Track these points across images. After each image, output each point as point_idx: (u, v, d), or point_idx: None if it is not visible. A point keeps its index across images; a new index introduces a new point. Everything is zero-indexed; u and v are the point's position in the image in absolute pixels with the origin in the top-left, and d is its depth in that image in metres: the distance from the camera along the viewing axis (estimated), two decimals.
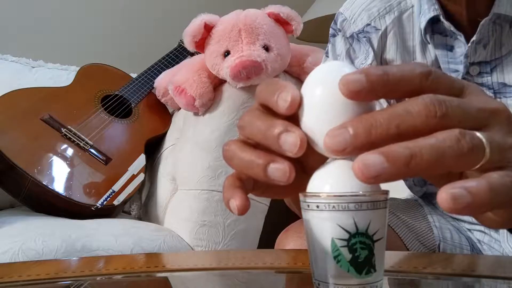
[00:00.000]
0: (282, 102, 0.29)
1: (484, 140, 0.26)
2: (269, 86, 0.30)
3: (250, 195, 0.33)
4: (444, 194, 0.24)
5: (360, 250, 0.27)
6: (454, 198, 0.24)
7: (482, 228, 0.73)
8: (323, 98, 0.28)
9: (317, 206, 0.28)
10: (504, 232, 0.70)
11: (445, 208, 0.24)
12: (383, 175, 0.24)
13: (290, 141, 0.28)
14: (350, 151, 0.26)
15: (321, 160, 0.30)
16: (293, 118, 0.29)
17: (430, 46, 0.68)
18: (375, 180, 0.24)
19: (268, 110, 0.30)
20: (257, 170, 0.29)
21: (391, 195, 0.29)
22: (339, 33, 0.77)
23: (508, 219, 0.29)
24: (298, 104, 0.29)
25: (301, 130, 0.29)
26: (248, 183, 0.33)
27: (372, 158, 0.24)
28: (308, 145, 0.29)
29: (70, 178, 1.12)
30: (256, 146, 0.31)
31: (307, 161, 0.32)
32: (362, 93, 0.26)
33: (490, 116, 0.28)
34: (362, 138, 0.25)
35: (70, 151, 1.16)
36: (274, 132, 0.28)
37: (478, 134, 0.26)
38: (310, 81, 0.29)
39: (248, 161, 0.30)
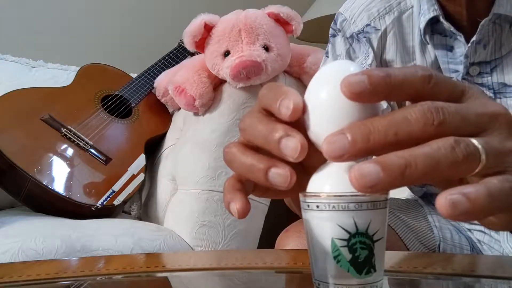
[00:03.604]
0: (285, 110, 0.28)
1: (479, 147, 0.26)
2: (272, 91, 0.30)
3: (250, 195, 0.33)
4: (443, 200, 0.24)
5: (360, 250, 0.27)
6: (453, 205, 0.24)
7: (482, 228, 0.73)
8: (328, 99, 0.28)
9: (317, 206, 0.28)
10: (504, 232, 0.70)
11: (444, 214, 0.24)
12: (379, 185, 0.24)
13: (290, 146, 0.28)
14: (348, 157, 0.26)
15: (323, 161, 0.30)
16: (296, 120, 0.29)
17: (429, 47, 0.68)
18: (371, 189, 0.25)
19: (270, 113, 0.30)
20: (258, 175, 0.29)
21: (391, 195, 0.29)
22: (339, 33, 0.77)
23: (508, 222, 0.29)
24: (300, 112, 0.28)
25: (302, 134, 0.28)
26: (249, 185, 0.33)
27: (368, 168, 0.25)
28: (310, 146, 0.28)
29: (70, 178, 1.12)
30: (257, 149, 0.31)
31: (309, 162, 0.32)
32: (364, 95, 0.26)
33: (489, 120, 0.27)
34: (360, 145, 0.26)
35: (70, 151, 1.16)
36: (275, 137, 0.28)
37: (473, 141, 0.26)
38: (316, 81, 0.29)
39: (249, 165, 0.30)
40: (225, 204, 0.31)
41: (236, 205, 0.30)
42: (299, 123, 0.29)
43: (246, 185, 0.32)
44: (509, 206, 0.26)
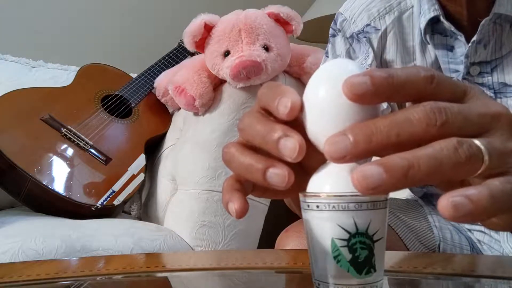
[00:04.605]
0: (283, 108, 0.28)
1: (482, 147, 0.26)
2: (270, 90, 0.30)
3: (249, 196, 0.33)
4: (445, 202, 0.24)
5: (360, 250, 0.27)
6: (455, 207, 0.24)
7: (482, 228, 0.73)
8: (327, 98, 0.28)
9: (317, 206, 0.28)
10: (504, 232, 0.70)
11: (446, 216, 0.24)
12: (382, 186, 0.24)
13: (289, 146, 0.28)
14: (350, 159, 0.26)
15: (322, 161, 0.30)
16: (295, 120, 0.29)
17: (429, 47, 0.68)
18: (374, 191, 0.25)
19: (269, 113, 0.30)
20: (256, 175, 0.29)
21: (391, 195, 0.29)
22: (339, 33, 0.76)
23: (510, 223, 0.29)
24: (298, 110, 0.28)
25: (301, 135, 0.28)
26: (248, 185, 0.33)
27: (371, 170, 0.24)
28: (309, 146, 0.28)
29: (70, 178, 1.12)
30: (255, 149, 0.31)
31: (308, 162, 0.32)
32: (367, 96, 0.26)
33: (491, 120, 0.27)
34: (362, 146, 0.25)
35: (70, 151, 1.16)
36: (274, 137, 0.28)
37: (476, 141, 0.26)
38: (315, 80, 0.29)
39: (247, 165, 0.30)
40: (224, 204, 0.31)
41: (234, 205, 0.30)
42: (297, 123, 0.29)
43: (245, 185, 0.32)
44: (511, 207, 0.26)
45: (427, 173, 0.24)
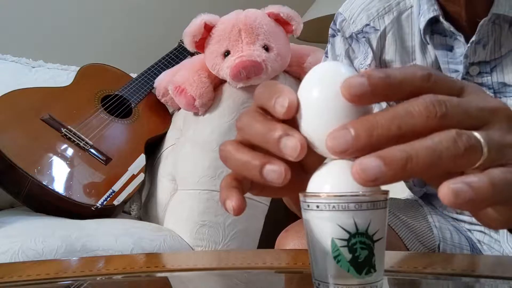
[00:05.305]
0: (280, 108, 0.29)
1: (481, 139, 0.26)
2: (267, 89, 0.30)
3: (249, 195, 0.33)
4: (446, 189, 0.24)
5: (360, 250, 0.27)
6: (455, 193, 0.24)
7: (482, 228, 0.73)
8: (321, 100, 0.28)
9: (317, 206, 0.28)
10: (504, 232, 0.70)
11: (446, 203, 0.24)
12: (381, 178, 0.24)
13: (290, 146, 0.28)
14: (352, 152, 0.26)
15: (321, 160, 0.30)
16: (292, 119, 0.29)
17: (429, 47, 0.68)
18: (373, 183, 0.25)
19: (267, 112, 0.30)
20: (253, 172, 0.29)
21: (391, 195, 0.29)
22: (338, 33, 0.77)
23: (509, 217, 0.29)
24: (295, 109, 0.29)
25: (301, 133, 0.28)
26: (246, 183, 0.33)
27: (370, 162, 0.25)
28: (308, 145, 0.29)
29: (70, 178, 1.12)
30: (252, 146, 0.31)
31: (307, 161, 0.32)
32: (365, 97, 0.26)
33: (490, 114, 0.28)
34: (364, 139, 0.25)
35: (70, 151, 1.16)
36: (274, 136, 0.28)
37: (475, 133, 0.26)
38: (308, 82, 0.29)
39: (244, 162, 0.30)
40: (221, 201, 0.31)
41: (232, 203, 0.30)
42: (291, 122, 0.29)
43: (243, 183, 0.32)
44: (510, 197, 0.26)
45: (426, 165, 0.25)
